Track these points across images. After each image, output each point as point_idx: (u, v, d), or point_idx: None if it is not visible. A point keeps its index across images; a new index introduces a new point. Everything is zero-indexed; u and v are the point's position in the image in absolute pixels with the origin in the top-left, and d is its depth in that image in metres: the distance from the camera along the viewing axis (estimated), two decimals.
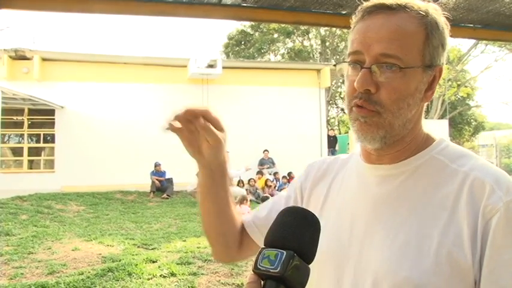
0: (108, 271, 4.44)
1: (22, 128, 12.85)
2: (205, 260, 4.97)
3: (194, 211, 8.88)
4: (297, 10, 2.62)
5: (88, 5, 2.42)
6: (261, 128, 13.47)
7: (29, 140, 13.21)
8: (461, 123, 26.22)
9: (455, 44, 22.81)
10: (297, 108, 13.96)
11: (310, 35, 27.32)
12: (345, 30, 21.07)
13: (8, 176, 11.71)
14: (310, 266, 0.56)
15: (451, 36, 0.76)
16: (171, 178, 11.63)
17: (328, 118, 23.63)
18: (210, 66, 12.71)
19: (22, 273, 4.47)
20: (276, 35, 27.82)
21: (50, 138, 13.01)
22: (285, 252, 0.53)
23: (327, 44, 26.69)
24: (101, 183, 11.62)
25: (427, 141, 0.78)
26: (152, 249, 5.65)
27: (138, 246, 5.79)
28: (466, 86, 25.03)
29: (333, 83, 21.69)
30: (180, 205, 10.13)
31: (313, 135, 14.14)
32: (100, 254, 5.30)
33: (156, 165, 11.66)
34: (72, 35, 76.20)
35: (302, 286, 0.54)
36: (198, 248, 5.51)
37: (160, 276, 4.41)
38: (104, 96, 12.43)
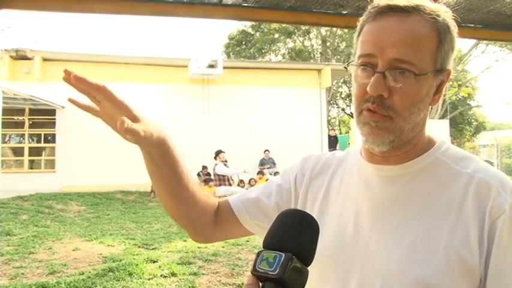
0: (108, 271, 4.44)
1: (23, 128, 12.88)
2: (206, 260, 4.98)
3: None
4: (297, 10, 2.61)
5: (88, 5, 2.42)
6: (262, 128, 13.48)
7: (30, 140, 13.23)
8: (462, 123, 26.24)
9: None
10: (297, 108, 13.97)
11: (311, 35, 27.36)
12: (346, 30, 21.05)
13: (8, 176, 11.72)
14: (311, 265, 0.56)
15: None
16: None
17: (329, 118, 23.64)
18: (211, 66, 12.72)
19: (23, 273, 4.47)
20: (276, 35, 27.86)
21: (51, 138, 13.04)
22: (283, 254, 0.53)
23: (328, 44, 26.71)
24: (102, 183, 11.64)
25: (430, 142, 0.78)
26: (153, 249, 5.65)
27: (139, 246, 5.79)
28: (467, 86, 25.05)
29: (334, 83, 21.70)
30: None
31: (314, 135, 14.14)
32: (101, 254, 5.30)
33: None
34: (73, 35, 76.38)
35: None
36: (198, 248, 5.50)
37: (161, 276, 4.41)
38: None
